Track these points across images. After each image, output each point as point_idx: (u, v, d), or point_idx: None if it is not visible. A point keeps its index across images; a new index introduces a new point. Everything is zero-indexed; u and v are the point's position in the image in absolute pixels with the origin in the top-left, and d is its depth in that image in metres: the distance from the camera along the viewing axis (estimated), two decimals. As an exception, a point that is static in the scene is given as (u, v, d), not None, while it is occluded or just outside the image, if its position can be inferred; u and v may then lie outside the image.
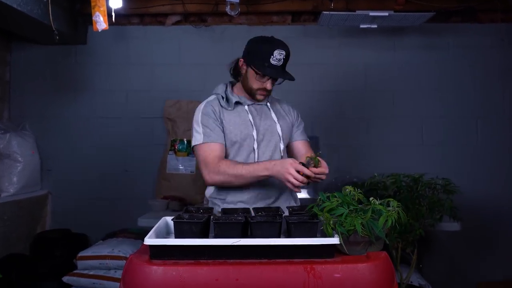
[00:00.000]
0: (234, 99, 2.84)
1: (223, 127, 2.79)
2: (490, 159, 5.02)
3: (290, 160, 2.51)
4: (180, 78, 5.14)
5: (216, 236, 1.99)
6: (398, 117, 5.09)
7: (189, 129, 4.94)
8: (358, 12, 4.34)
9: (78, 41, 5.10)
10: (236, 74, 2.93)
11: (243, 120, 2.82)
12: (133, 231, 4.65)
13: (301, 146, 2.98)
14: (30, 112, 5.19)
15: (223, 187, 2.81)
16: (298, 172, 2.44)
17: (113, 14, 3.82)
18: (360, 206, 2.02)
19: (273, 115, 2.90)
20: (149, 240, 1.93)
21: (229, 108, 2.83)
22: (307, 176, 2.46)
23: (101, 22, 3.65)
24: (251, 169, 2.62)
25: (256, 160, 2.77)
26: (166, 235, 2.26)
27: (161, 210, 4.59)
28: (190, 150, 4.94)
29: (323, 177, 2.50)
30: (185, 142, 4.97)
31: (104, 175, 5.14)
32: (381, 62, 5.11)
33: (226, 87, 2.93)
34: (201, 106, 2.87)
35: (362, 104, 5.11)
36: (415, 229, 3.68)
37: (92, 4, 3.64)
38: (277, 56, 2.69)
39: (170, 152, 5.01)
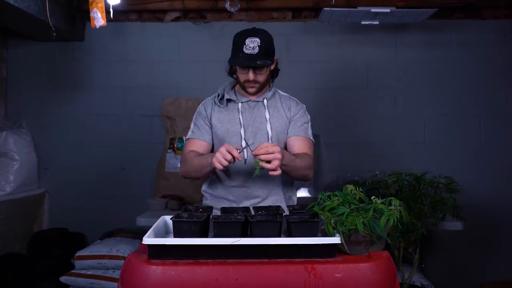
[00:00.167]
0: (226, 96, 2.87)
1: (212, 125, 2.87)
2: (493, 157, 5.01)
3: (224, 144, 2.53)
4: (179, 75, 5.14)
5: (215, 236, 1.99)
6: (400, 115, 5.09)
7: (188, 127, 4.93)
8: (359, 8, 4.33)
9: (75, 37, 5.10)
10: (231, 72, 2.93)
11: (231, 118, 2.84)
12: (132, 230, 4.65)
13: (292, 142, 2.86)
14: (27, 109, 5.19)
15: (213, 182, 2.92)
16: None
17: (111, 10, 3.82)
18: (361, 205, 2.02)
19: (267, 112, 2.86)
20: (148, 240, 1.92)
21: (221, 106, 2.88)
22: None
23: (99, 19, 3.65)
24: (202, 158, 2.71)
25: (246, 158, 2.78)
26: (165, 234, 2.26)
27: (160, 209, 4.59)
28: (189, 149, 4.94)
29: (272, 163, 2.39)
30: (184, 140, 4.96)
31: (102, 173, 5.15)
32: (383, 59, 5.11)
33: (228, 85, 2.95)
34: (202, 102, 2.98)
35: (363, 101, 5.10)
36: (417, 229, 3.68)
37: (90, 0, 3.64)
38: (250, 44, 2.64)
39: (169, 151, 5.01)
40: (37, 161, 5.10)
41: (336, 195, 2.05)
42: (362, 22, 4.63)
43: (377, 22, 4.62)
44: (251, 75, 2.73)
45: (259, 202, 2.80)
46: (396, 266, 2.07)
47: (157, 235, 2.08)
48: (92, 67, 5.19)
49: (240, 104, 2.86)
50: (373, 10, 4.31)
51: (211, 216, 2.12)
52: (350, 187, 2.10)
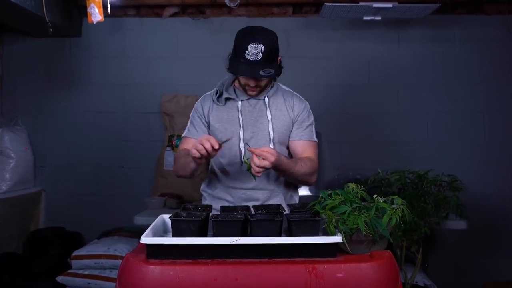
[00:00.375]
0: (225, 94, 2.78)
1: (209, 123, 2.80)
2: (497, 155, 5.01)
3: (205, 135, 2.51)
4: (177, 72, 5.14)
5: (214, 235, 1.99)
6: (403, 111, 5.09)
7: (187, 125, 4.93)
8: (361, 3, 4.33)
9: (72, 33, 5.10)
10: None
11: (231, 118, 2.76)
12: (129, 229, 4.66)
13: (296, 146, 2.79)
14: (23, 106, 5.20)
15: (212, 182, 2.89)
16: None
17: (108, 5, 3.82)
18: (363, 203, 2.01)
19: (268, 112, 2.76)
20: (146, 239, 1.92)
21: (220, 104, 2.78)
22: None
23: (96, 14, 3.65)
24: (187, 155, 2.62)
25: (243, 161, 2.72)
26: (163, 233, 2.25)
27: (158, 208, 4.59)
28: (188, 146, 4.95)
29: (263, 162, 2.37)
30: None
31: (99, 172, 5.15)
32: (385, 55, 5.11)
33: (228, 80, 2.86)
34: (200, 98, 2.90)
35: (365, 98, 5.10)
36: (420, 228, 3.68)
37: (87, -5, 3.64)
38: (253, 50, 2.48)
39: (168, 148, 5.01)
40: (33, 159, 5.10)
41: (338, 194, 2.04)
42: (364, 18, 4.63)
43: (379, 18, 4.62)
44: (252, 82, 2.65)
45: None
46: (398, 265, 2.07)
47: (155, 234, 2.08)
48: (89, 63, 5.19)
49: (240, 102, 2.77)
50: (375, 5, 4.31)
51: (210, 215, 2.11)
52: (352, 185, 2.10)
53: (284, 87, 2.91)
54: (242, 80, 2.69)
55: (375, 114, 5.10)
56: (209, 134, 2.75)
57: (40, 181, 5.18)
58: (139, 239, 1.93)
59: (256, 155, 2.36)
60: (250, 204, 2.62)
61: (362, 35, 5.10)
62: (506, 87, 5.05)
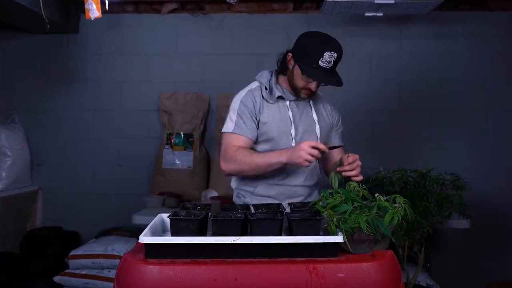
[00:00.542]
0: (277, 92, 2.81)
1: (259, 121, 2.78)
2: (501, 153, 5.01)
3: (303, 142, 2.53)
4: (176, 69, 5.13)
5: (214, 234, 1.99)
6: (405, 109, 5.09)
7: (186, 122, 4.94)
8: (362, -1, 4.33)
9: (70, 30, 5.09)
10: (283, 67, 2.85)
11: (282, 116, 2.79)
12: (128, 228, 4.65)
13: (336, 152, 2.89)
14: (20, 104, 5.19)
15: (251, 179, 2.84)
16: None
17: (106, 1, 3.81)
18: (365, 202, 2.02)
19: (314, 114, 2.87)
20: (144, 238, 1.92)
21: (271, 101, 2.80)
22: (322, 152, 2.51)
23: (94, 10, 3.65)
24: (265, 156, 2.64)
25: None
26: (162, 233, 2.26)
27: (157, 206, 4.58)
28: (187, 144, 4.95)
29: (355, 171, 2.54)
30: (182, 135, 4.97)
31: (97, 170, 5.15)
32: (387, 52, 5.10)
33: (271, 76, 2.88)
34: (242, 93, 2.85)
35: (367, 96, 5.09)
36: (422, 227, 3.67)
37: (85, -9, 3.63)
38: (327, 58, 2.63)
39: (166, 146, 5.00)
40: (30, 157, 5.10)
41: (339, 192, 2.05)
42: (366, 14, 4.61)
43: (381, 14, 4.61)
44: (314, 86, 2.74)
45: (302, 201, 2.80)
46: (400, 265, 2.07)
47: (154, 233, 2.08)
48: (87, 60, 5.18)
49: (288, 102, 2.83)
50: (377, 1, 4.30)
51: (209, 214, 2.12)
52: (353, 184, 2.10)
53: (319, 93, 2.99)
54: (302, 83, 2.74)
55: (376, 111, 5.10)
56: (258, 131, 2.78)
57: (37, 179, 5.18)
58: (138, 238, 1.93)
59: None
60: (293, 200, 2.71)
61: (364, 31, 5.09)
62: (510, 85, 5.04)
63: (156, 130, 5.13)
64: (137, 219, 4.21)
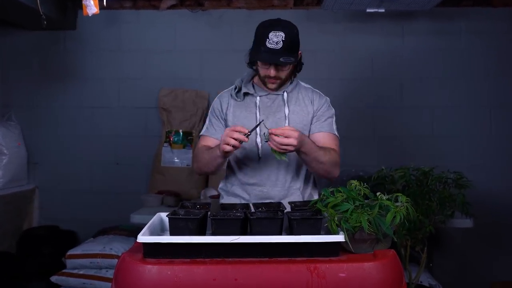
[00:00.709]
0: (244, 89, 2.82)
1: (226, 121, 2.82)
2: (505, 152, 5.01)
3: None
4: (175, 66, 5.13)
5: (213, 234, 1.99)
6: (407, 106, 5.08)
7: (185, 120, 4.94)
8: (364, -5, 4.32)
9: (67, 26, 5.09)
10: (253, 63, 2.83)
11: (248, 113, 2.80)
12: (126, 228, 4.65)
13: (316, 138, 2.75)
14: (16, 101, 5.19)
15: (229, 179, 2.91)
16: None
17: (104, -3, 3.81)
18: (366, 201, 2.01)
19: (286, 108, 2.81)
20: (143, 238, 1.92)
21: (238, 100, 2.83)
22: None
23: (91, 6, 3.65)
24: (212, 150, 2.67)
25: (260, 157, 2.77)
26: (161, 232, 2.26)
27: (155, 205, 4.57)
28: (186, 142, 4.95)
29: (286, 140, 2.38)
30: (181, 133, 4.96)
31: (95, 168, 5.15)
32: (389, 48, 5.10)
33: (247, 77, 2.89)
34: (218, 96, 2.95)
35: (368, 93, 5.10)
36: (425, 226, 3.68)
37: (82, -14, 3.63)
38: (274, 38, 2.55)
39: (165, 144, 5.00)
40: (26, 156, 5.10)
41: (340, 191, 2.05)
42: (367, 10, 4.61)
43: (383, 10, 4.61)
44: (272, 72, 2.67)
45: None
46: (402, 265, 2.07)
47: (152, 232, 2.08)
48: (84, 57, 5.18)
49: (258, 98, 2.81)
50: (379, -3, 4.31)
51: (209, 213, 2.11)
52: (355, 182, 2.10)
53: (304, 84, 2.95)
54: (262, 71, 2.71)
55: (378, 109, 5.10)
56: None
57: (33, 178, 5.18)
58: (136, 237, 1.93)
59: (277, 134, 2.37)
60: (266, 201, 2.66)
61: (365, 28, 5.09)
62: (513, 81, 5.05)
63: (154, 128, 5.13)
64: (135, 218, 4.21)
